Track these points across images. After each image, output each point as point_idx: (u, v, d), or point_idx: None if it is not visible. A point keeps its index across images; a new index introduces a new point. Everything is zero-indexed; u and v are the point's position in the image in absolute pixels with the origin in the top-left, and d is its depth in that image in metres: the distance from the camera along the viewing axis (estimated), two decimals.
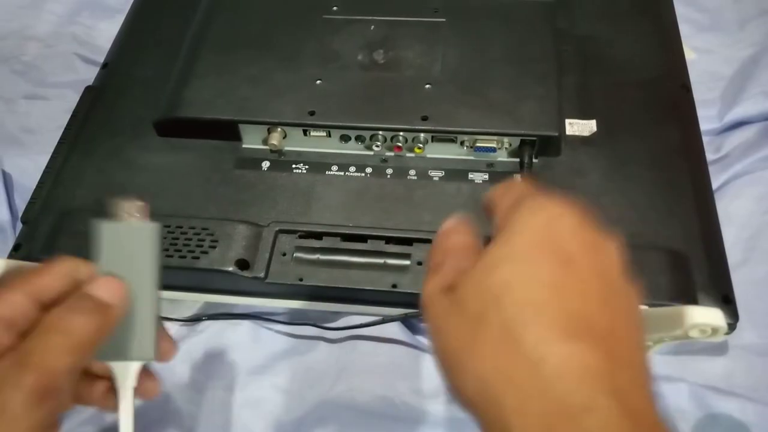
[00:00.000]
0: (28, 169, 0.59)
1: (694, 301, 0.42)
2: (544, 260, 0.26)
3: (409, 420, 0.46)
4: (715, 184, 0.54)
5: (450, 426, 0.46)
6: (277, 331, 0.51)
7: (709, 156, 0.57)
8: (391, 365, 0.48)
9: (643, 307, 0.40)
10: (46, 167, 0.52)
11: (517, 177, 0.48)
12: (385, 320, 0.46)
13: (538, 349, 0.23)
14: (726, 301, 0.43)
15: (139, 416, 0.47)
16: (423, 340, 0.50)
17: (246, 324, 0.51)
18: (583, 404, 0.22)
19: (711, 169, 0.52)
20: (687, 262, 0.44)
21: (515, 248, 0.26)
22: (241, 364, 0.49)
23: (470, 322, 0.25)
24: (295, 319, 0.51)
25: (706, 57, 0.65)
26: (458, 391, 0.26)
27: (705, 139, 0.58)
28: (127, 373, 0.31)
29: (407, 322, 0.49)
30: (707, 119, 0.59)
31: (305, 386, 0.48)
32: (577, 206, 0.28)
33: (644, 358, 0.26)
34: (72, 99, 0.57)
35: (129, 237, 0.30)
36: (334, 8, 0.56)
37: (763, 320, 0.48)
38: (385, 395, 0.47)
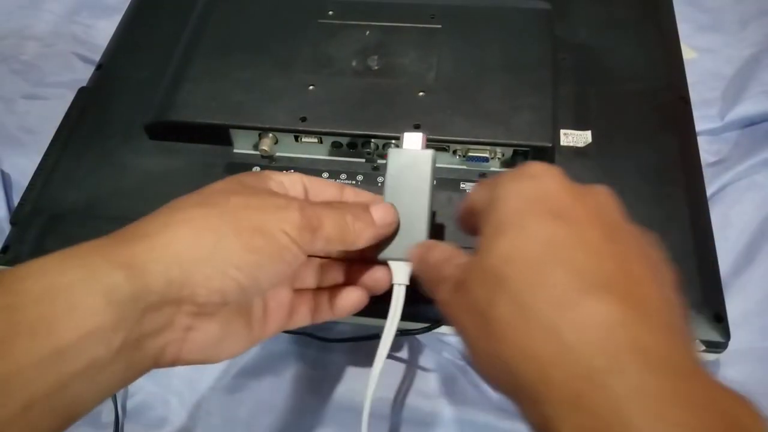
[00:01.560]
0: (27, 169, 0.58)
1: None
2: (535, 221, 0.25)
3: (411, 421, 0.46)
4: (715, 187, 0.54)
5: (453, 427, 0.45)
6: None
7: (710, 158, 0.57)
8: (392, 367, 0.48)
9: None
10: (37, 169, 0.51)
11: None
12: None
13: (551, 316, 0.22)
14: (717, 319, 0.42)
15: (137, 417, 0.47)
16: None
17: None
18: (608, 366, 0.21)
19: (711, 171, 0.51)
20: (679, 279, 0.43)
21: (505, 220, 0.25)
22: (241, 365, 0.49)
23: (482, 308, 0.24)
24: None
25: (707, 56, 0.64)
26: (490, 379, 0.25)
27: (705, 139, 0.57)
28: (400, 272, 0.36)
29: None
30: (708, 119, 0.59)
31: (305, 387, 0.48)
32: (555, 168, 0.27)
33: (669, 297, 0.24)
34: (71, 99, 0.57)
35: (410, 161, 0.38)
36: (330, 13, 0.56)
37: (760, 326, 0.48)
38: (387, 397, 0.47)
